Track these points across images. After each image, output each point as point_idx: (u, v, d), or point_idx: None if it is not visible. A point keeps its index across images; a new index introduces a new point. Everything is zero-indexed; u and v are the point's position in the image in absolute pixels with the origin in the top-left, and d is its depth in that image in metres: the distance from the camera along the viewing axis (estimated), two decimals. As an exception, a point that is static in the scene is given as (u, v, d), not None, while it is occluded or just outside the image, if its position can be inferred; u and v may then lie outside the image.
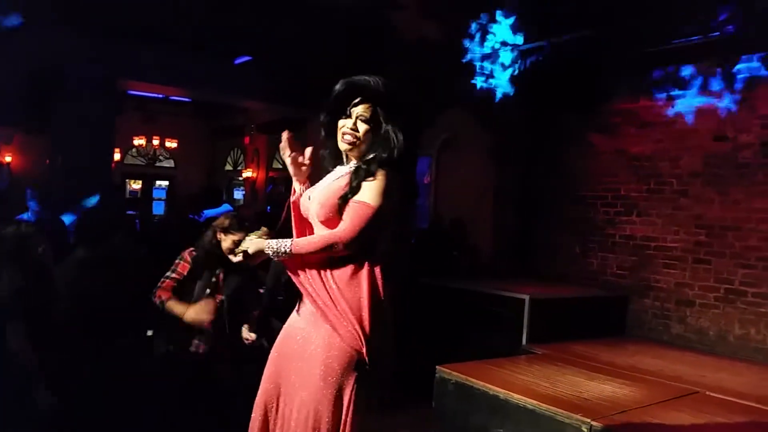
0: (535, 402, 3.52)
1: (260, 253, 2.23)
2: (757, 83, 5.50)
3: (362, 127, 2.26)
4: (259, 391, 2.35)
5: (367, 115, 2.25)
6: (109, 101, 6.15)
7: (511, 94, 6.79)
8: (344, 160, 2.35)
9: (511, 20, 6.67)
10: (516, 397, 3.62)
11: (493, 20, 6.64)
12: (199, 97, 10.09)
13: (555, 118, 7.06)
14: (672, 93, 6.10)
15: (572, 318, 5.69)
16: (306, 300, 2.31)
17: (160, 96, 11.26)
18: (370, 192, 2.16)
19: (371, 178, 2.18)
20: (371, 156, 2.23)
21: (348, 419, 2.17)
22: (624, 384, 4.12)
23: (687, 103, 5.99)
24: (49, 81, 5.63)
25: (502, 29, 6.74)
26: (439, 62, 6.28)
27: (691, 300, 5.90)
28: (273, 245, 2.20)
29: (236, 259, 2.32)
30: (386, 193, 2.17)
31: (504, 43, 6.75)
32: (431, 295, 5.95)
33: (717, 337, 5.70)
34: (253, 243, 2.25)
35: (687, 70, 5.97)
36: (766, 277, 5.40)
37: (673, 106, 6.10)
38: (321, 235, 2.22)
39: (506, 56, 6.76)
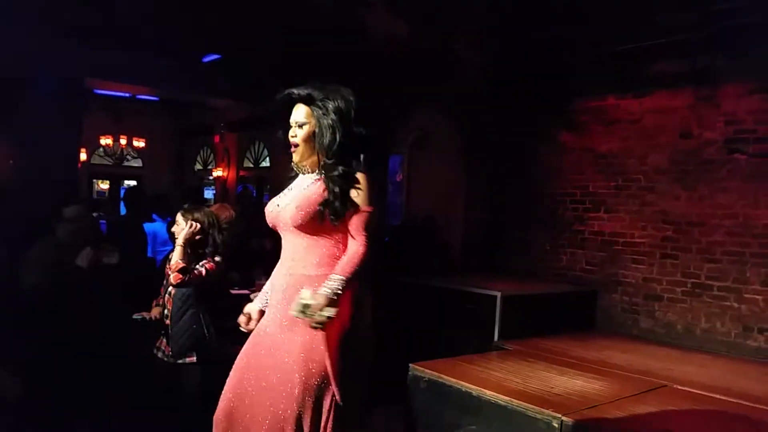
0: (506, 398, 3.53)
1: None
2: (721, 81, 5.60)
3: (299, 132, 2.33)
4: (222, 401, 2.28)
5: (302, 119, 2.32)
6: (75, 100, 6.03)
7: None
8: (303, 170, 2.40)
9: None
10: (488, 394, 3.63)
11: None
12: (167, 95, 9.97)
13: (524, 116, 7.11)
14: (638, 91, 6.19)
15: (543, 314, 5.74)
16: (280, 306, 2.28)
17: (127, 95, 11.11)
18: (363, 198, 2.24)
19: (357, 185, 2.23)
20: (327, 162, 2.27)
21: (329, 425, 2.15)
22: (594, 378, 4.16)
23: (653, 102, 6.09)
24: (12, 80, 5.51)
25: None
26: (409, 61, 6.28)
27: (659, 294, 6.00)
28: (331, 291, 2.09)
29: (318, 325, 2.06)
30: (372, 195, 2.26)
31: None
32: (403, 292, 5.95)
33: (684, 331, 5.80)
34: (318, 301, 2.05)
35: (653, 69, 6.05)
36: (731, 272, 5.51)
37: (639, 104, 6.19)
38: (350, 259, 2.20)
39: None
